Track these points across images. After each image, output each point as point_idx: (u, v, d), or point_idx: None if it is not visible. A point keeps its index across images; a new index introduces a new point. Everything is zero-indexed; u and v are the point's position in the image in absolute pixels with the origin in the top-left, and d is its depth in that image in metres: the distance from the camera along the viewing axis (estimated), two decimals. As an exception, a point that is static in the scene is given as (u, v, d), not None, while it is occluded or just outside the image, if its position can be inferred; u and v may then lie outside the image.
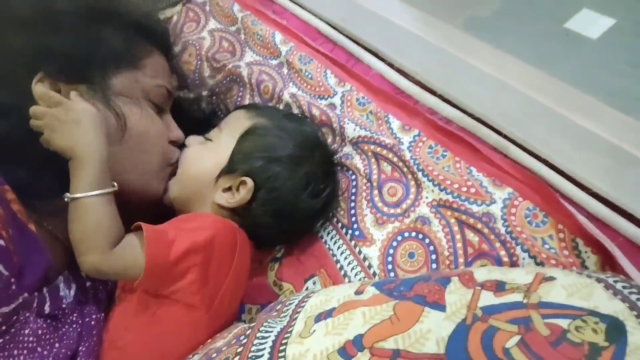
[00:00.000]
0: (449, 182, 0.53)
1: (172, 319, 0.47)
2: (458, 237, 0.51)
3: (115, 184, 0.48)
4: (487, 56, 0.60)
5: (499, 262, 0.48)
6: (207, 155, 0.58)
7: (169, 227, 0.49)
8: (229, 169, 0.56)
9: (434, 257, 0.51)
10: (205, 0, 0.93)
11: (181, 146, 0.62)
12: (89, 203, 0.45)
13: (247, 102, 0.76)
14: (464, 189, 0.53)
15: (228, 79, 0.78)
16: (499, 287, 0.35)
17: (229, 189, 0.55)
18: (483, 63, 0.59)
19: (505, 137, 0.57)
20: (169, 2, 0.95)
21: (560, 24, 1.38)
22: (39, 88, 0.50)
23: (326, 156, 0.62)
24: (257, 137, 0.57)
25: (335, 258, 0.54)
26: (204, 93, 0.78)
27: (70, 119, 0.47)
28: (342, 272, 0.53)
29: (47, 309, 0.47)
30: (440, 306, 0.33)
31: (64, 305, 0.49)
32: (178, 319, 0.47)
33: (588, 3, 1.41)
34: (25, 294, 0.44)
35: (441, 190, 0.53)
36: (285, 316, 0.38)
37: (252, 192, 0.54)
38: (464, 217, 0.51)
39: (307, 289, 0.53)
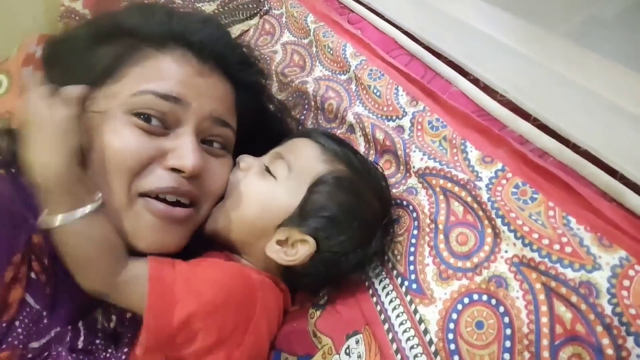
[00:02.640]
0: (536, 235, 0.42)
1: None
2: (544, 309, 0.39)
3: (100, 194, 0.41)
4: (600, 73, 0.47)
5: (599, 354, 0.35)
6: (270, 197, 0.49)
7: (181, 276, 0.42)
8: (293, 222, 0.47)
9: (508, 332, 0.40)
10: (282, 11, 0.91)
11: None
12: (66, 232, 0.39)
13: (310, 120, 0.70)
14: (557, 246, 0.41)
15: (295, 95, 0.74)
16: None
17: (284, 241, 0.48)
18: (592, 82, 0.46)
19: (621, 179, 0.44)
20: (247, 14, 0.94)
21: None
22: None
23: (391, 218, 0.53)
24: (333, 190, 0.48)
25: (384, 315, 0.46)
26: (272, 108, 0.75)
27: (33, 122, 0.39)
28: (390, 336, 0.44)
29: (80, 343, 0.45)
30: None
31: (97, 341, 0.46)
32: None
33: None
34: (58, 328, 0.43)
35: (525, 245, 0.42)
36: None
37: (311, 254, 0.46)
38: (553, 284, 0.40)
39: (348, 348, 0.45)
